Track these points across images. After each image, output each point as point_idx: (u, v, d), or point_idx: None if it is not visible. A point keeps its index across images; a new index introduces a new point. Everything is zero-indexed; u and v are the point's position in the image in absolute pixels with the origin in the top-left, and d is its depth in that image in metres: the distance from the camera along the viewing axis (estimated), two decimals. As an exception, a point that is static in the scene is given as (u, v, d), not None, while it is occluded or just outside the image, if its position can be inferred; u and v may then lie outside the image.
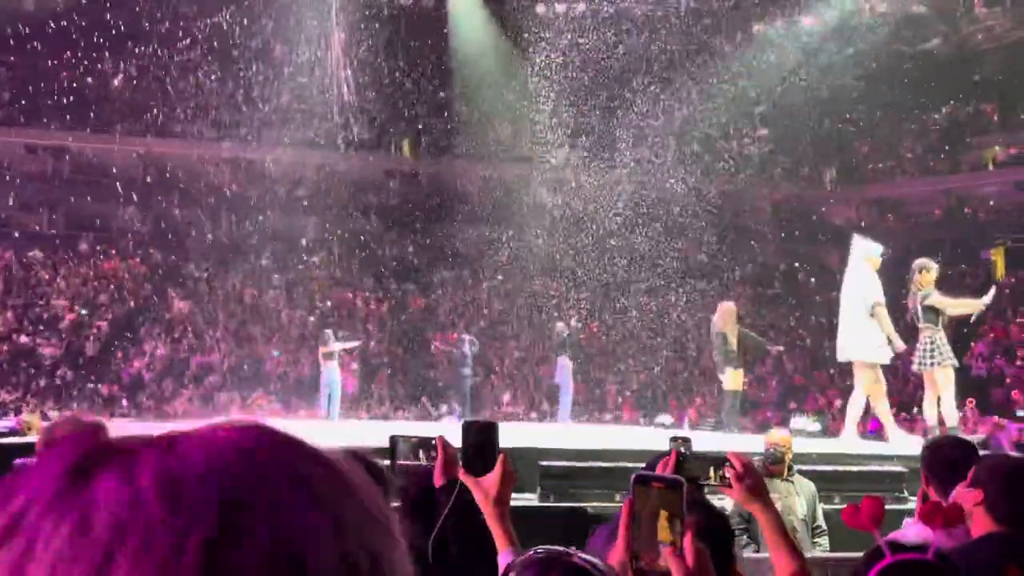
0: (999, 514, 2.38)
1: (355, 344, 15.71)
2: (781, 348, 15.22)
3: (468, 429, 2.00)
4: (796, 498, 5.28)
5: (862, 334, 8.35)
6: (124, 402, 17.16)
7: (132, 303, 20.47)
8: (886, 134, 24.97)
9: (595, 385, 19.55)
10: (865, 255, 8.59)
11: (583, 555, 1.29)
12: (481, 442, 1.96)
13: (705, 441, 7.88)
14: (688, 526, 1.23)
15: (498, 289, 22.01)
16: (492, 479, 1.98)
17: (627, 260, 20.82)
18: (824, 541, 5.34)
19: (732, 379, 11.29)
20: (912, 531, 2.53)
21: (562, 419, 13.86)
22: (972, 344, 18.75)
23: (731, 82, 22.76)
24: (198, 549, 0.40)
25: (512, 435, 10.71)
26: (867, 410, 9.16)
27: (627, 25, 22.02)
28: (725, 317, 11.43)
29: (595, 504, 5.58)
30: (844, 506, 2.07)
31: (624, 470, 5.97)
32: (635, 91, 21.98)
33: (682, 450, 2.58)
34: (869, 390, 8.43)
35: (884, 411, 8.62)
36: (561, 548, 1.32)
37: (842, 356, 8.70)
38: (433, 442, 2.34)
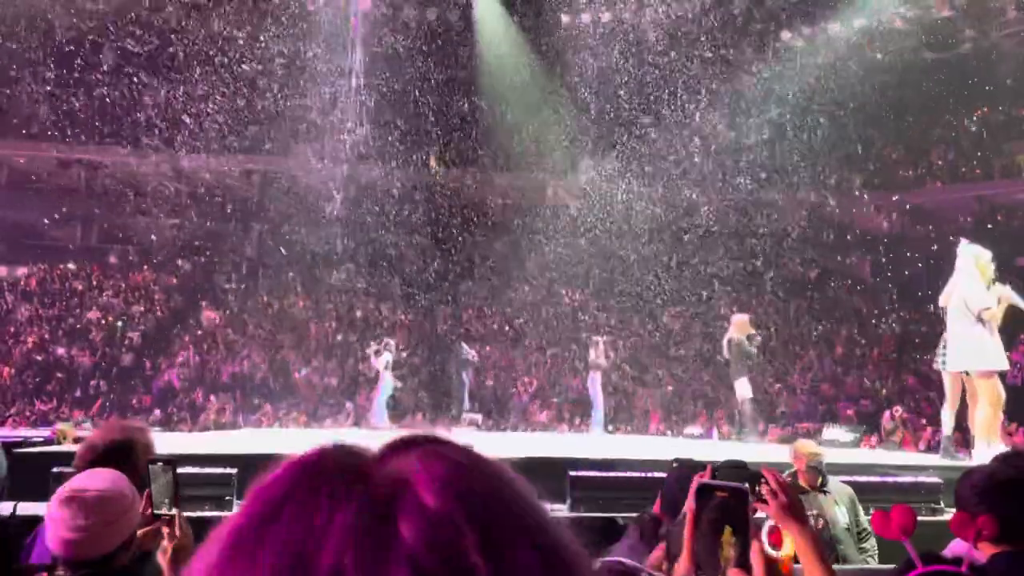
0: (992, 532, 2.29)
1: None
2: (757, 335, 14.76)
3: None
4: (836, 508, 5.15)
5: (975, 342, 7.84)
6: (156, 412, 17.31)
7: (163, 315, 20.70)
8: (916, 140, 24.69)
9: (623, 395, 19.45)
10: (975, 260, 8.10)
11: (650, 571, 1.25)
12: None
13: (735, 452, 7.80)
14: (754, 535, 1.19)
15: (525, 300, 21.99)
16: None
17: (656, 270, 20.74)
18: (871, 544, 5.17)
19: (747, 387, 11.34)
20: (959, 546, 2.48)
21: (594, 430, 13.98)
22: (1008, 353, 18.42)
23: (758, 90, 22.64)
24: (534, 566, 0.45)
25: (541, 445, 10.71)
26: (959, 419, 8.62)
27: (653, 35, 21.98)
28: (740, 329, 11.45)
29: (625, 514, 5.53)
30: (876, 511, 2.02)
31: (654, 480, 5.92)
32: (662, 101, 21.94)
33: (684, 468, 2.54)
34: (992, 399, 7.84)
35: (989, 423, 7.98)
36: (632, 563, 1.29)
37: (955, 367, 8.06)
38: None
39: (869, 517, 5.36)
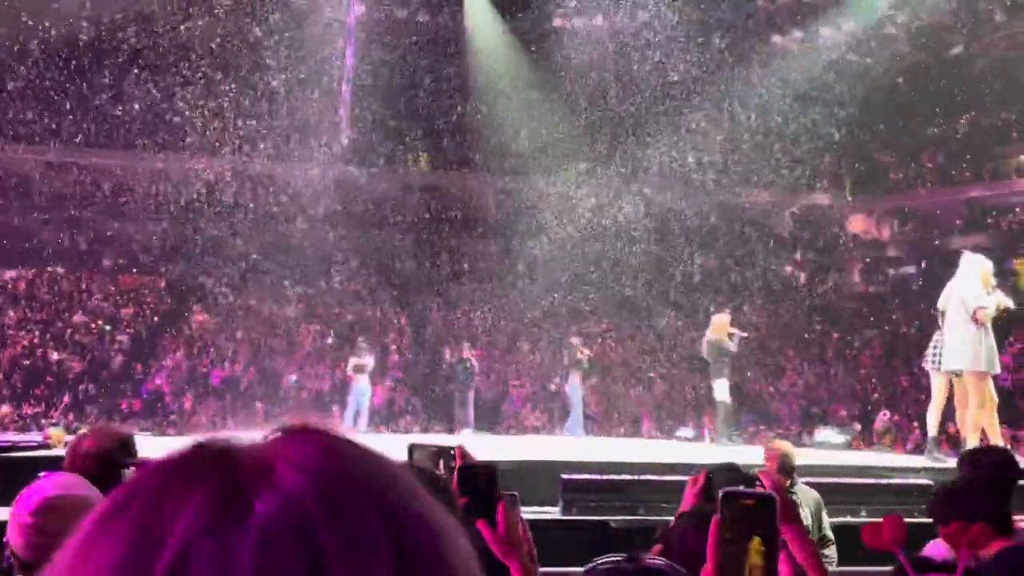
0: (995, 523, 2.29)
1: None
2: (745, 335, 14.73)
3: (469, 476, 1.90)
4: (800, 510, 5.12)
5: (970, 343, 7.81)
6: (145, 416, 17.22)
7: (153, 318, 20.61)
8: (907, 143, 24.80)
9: (614, 398, 19.46)
10: (980, 269, 8.02)
11: (653, 558, 1.24)
12: (485, 490, 1.88)
13: (728, 455, 7.80)
14: (781, 545, 1.17)
15: (516, 302, 21.97)
16: (498, 525, 1.88)
17: (646, 272, 20.76)
18: (831, 552, 5.18)
19: (725, 390, 11.33)
20: (937, 551, 2.48)
21: (571, 432, 13.86)
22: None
23: (749, 93, 22.69)
24: (388, 548, 0.45)
25: (534, 448, 10.72)
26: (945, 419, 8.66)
27: (645, 38, 22.03)
28: (718, 328, 11.43)
29: (617, 518, 5.52)
30: (866, 523, 2.01)
31: (646, 483, 5.92)
32: (653, 103, 21.98)
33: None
34: (981, 401, 7.77)
35: (984, 424, 7.80)
36: (626, 555, 1.28)
37: (949, 367, 8.05)
38: (452, 452, 2.32)
39: (864, 523, 5.35)
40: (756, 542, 1.16)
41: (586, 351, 14.46)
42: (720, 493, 1.21)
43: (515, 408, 19.01)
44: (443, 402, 17.73)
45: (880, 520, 1.93)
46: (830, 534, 5.19)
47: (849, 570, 4.93)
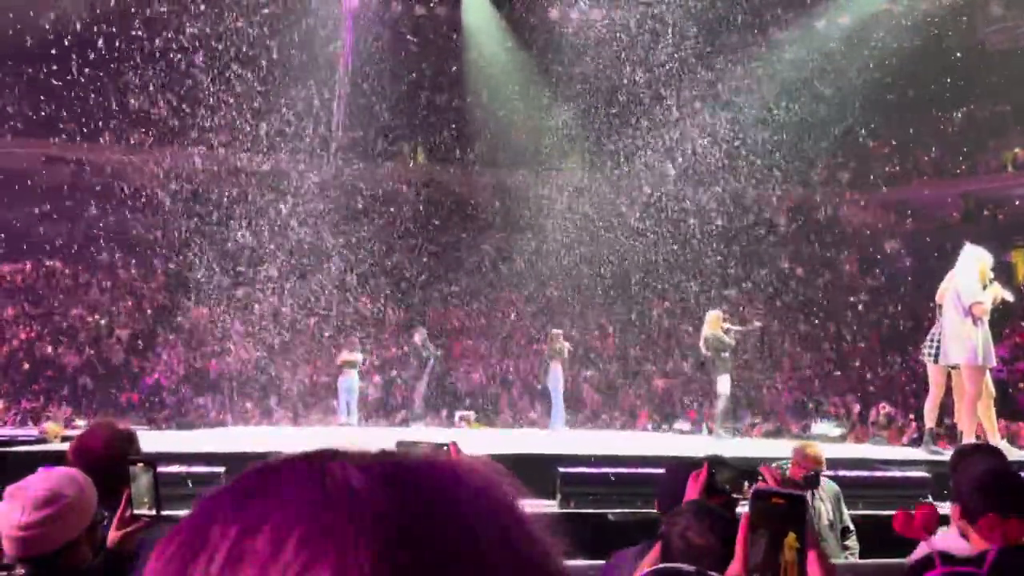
0: (995, 530, 2.28)
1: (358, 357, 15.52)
2: (760, 324, 14.66)
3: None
4: (821, 504, 5.19)
5: (967, 337, 7.83)
6: (143, 410, 17.22)
7: (150, 312, 20.59)
8: (902, 136, 24.80)
9: (612, 391, 19.49)
10: (978, 261, 8.10)
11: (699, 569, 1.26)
12: None
13: (724, 448, 7.82)
14: (812, 544, 1.19)
15: (513, 297, 21.98)
16: None
17: (643, 267, 20.78)
18: (853, 542, 5.24)
19: (727, 385, 11.37)
20: (952, 541, 2.49)
21: (553, 425, 13.80)
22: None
23: (746, 86, 22.68)
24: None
25: (532, 442, 10.72)
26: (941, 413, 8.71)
27: (641, 31, 21.99)
28: (713, 324, 11.46)
29: (615, 510, 5.54)
30: (894, 512, 2.02)
31: (644, 476, 5.93)
32: (649, 96, 21.96)
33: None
34: (978, 394, 7.80)
35: (975, 418, 7.92)
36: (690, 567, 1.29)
37: (946, 361, 8.06)
38: (446, 448, 2.33)
39: (862, 516, 5.40)
40: (791, 538, 1.18)
41: (566, 342, 14.37)
42: (751, 491, 1.22)
43: (512, 401, 19.03)
44: (433, 395, 17.74)
45: (912, 510, 1.94)
46: (851, 524, 5.26)
47: (864, 562, 4.96)
